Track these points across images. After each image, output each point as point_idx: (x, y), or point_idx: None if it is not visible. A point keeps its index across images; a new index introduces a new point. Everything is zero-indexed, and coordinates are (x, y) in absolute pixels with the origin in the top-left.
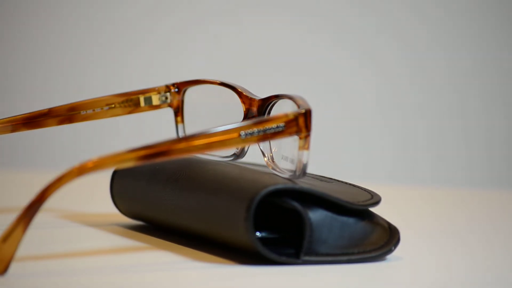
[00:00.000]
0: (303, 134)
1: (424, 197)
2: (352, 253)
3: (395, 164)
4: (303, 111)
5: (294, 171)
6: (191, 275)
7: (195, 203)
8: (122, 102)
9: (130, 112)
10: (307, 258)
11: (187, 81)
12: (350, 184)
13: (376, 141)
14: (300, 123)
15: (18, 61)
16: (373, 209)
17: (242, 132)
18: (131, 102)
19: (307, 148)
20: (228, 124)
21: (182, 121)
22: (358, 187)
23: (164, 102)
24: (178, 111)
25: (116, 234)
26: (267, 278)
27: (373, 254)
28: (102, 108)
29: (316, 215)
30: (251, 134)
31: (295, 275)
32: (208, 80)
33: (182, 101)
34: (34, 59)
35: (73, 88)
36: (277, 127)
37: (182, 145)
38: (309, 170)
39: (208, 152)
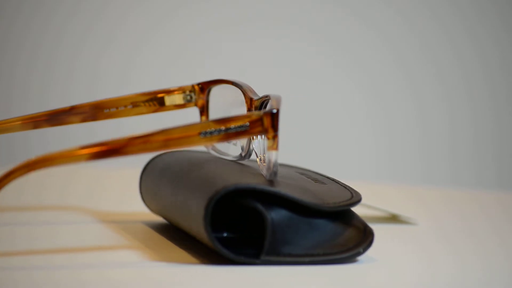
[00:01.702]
0: (271, 135)
1: (411, 197)
2: (317, 255)
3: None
4: (269, 111)
5: (266, 172)
6: (144, 274)
7: (180, 201)
8: (147, 100)
9: (155, 111)
10: (267, 258)
11: (211, 80)
12: (339, 184)
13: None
14: (266, 124)
15: (42, 58)
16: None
17: (203, 131)
18: (156, 101)
19: (276, 148)
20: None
21: (207, 120)
22: (345, 186)
23: (189, 101)
24: (203, 110)
25: (125, 232)
26: (221, 280)
27: (338, 256)
28: (126, 107)
29: (279, 216)
30: (211, 133)
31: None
32: (225, 79)
33: (207, 101)
34: (58, 56)
35: (97, 86)
36: (241, 126)
37: (138, 142)
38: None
39: (167, 150)
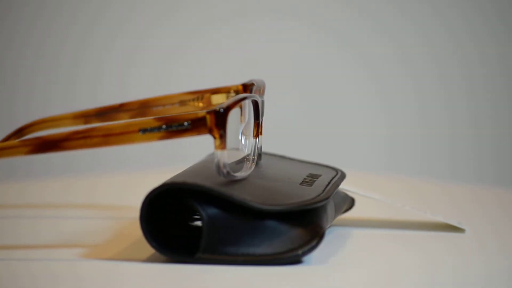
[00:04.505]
0: (217, 134)
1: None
2: (252, 255)
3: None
4: (213, 110)
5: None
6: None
7: None
8: (194, 99)
9: (201, 110)
10: (201, 256)
11: (250, 81)
12: (327, 186)
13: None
14: (209, 123)
15: (96, 56)
16: None
17: (142, 128)
18: (202, 99)
19: (224, 148)
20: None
21: None
22: (327, 184)
23: None
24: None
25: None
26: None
27: (276, 257)
28: (173, 105)
29: (217, 215)
30: (152, 130)
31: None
32: (253, 80)
33: None
34: (109, 54)
35: (146, 83)
36: (181, 125)
37: (78, 137)
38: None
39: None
